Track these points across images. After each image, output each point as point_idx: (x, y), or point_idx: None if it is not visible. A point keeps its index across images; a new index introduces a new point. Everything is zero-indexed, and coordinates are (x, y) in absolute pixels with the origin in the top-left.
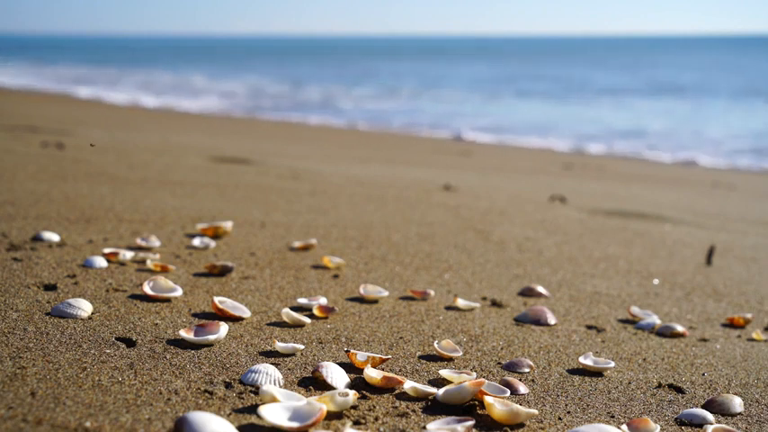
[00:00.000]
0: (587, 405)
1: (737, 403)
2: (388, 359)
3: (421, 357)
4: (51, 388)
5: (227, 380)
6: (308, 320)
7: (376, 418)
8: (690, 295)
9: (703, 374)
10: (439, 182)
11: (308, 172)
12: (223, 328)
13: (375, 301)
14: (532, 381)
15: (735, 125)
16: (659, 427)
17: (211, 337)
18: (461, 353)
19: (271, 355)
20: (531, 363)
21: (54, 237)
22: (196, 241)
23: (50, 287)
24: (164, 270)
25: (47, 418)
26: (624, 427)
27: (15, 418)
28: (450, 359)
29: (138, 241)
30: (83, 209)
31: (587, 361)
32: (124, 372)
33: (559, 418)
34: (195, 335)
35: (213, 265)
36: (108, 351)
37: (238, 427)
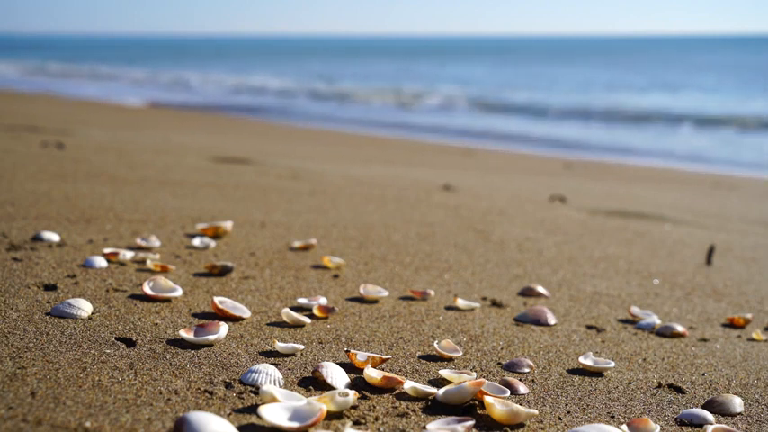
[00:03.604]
0: (587, 405)
1: (737, 403)
2: (388, 359)
3: (421, 357)
4: (51, 388)
5: (227, 380)
6: (308, 320)
7: (376, 418)
8: (690, 295)
9: (703, 374)
10: (439, 182)
11: (308, 172)
12: (223, 328)
13: (375, 301)
14: (532, 381)
15: (738, 124)
16: (659, 427)
17: (211, 337)
18: (461, 353)
19: (271, 355)
20: (531, 363)
21: (54, 237)
22: (196, 241)
23: (50, 287)
24: (164, 270)
25: (47, 418)
26: (624, 427)
27: (15, 418)
28: (451, 359)
29: (138, 241)
30: (83, 209)
31: (587, 361)
32: (124, 372)
33: (559, 418)
34: (195, 335)
35: (213, 265)
36: (108, 351)
37: (238, 427)
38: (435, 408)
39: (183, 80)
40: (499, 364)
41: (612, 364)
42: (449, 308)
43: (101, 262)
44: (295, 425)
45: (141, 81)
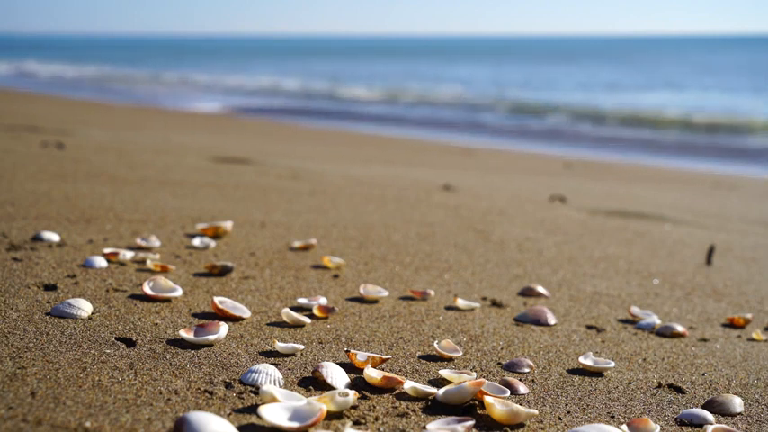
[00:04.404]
0: (587, 405)
1: (737, 403)
2: (388, 359)
3: (421, 357)
4: (51, 388)
5: (227, 380)
6: (308, 320)
7: (376, 418)
8: (690, 295)
9: (703, 374)
10: (439, 182)
11: (308, 172)
12: (223, 328)
13: (375, 301)
14: (532, 381)
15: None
16: (659, 427)
17: (211, 337)
18: (461, 353)
19: (271, 355)
20: (531, 363)
21: (54, 237)
22: (196, 241)
23: (50, 287)
24: (164, 270)
25: (47, 418)
26: (624, 427)
27: (15, 418)
28: (451, 359)
29: (138, 241)
30: (83, 209)
31: (587, 361)
32: (124, 372)
33: (559, 418)
34: (195, 335)
35: (213, 265)
36: (108, 351)
37: (238, 427)
38: (435, 408)
39: (220, 83)
40: (499, 364)
41: (612, 364)
42: (449, 308)
43: (101, 262)
44: (295, 425)
45: (144, 83)
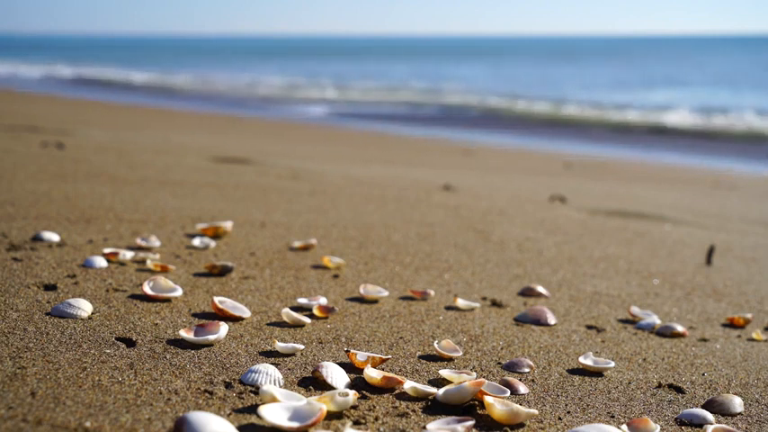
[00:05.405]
0: (587, 405)
1: (737, 403)
2: (388, 359)
3: (421, 357)
4: (51, 388)
5: (227, 380)
6: (308, 320)
7: (376, 418)
8: (690, 295)
9: (703, 374)
10: (439, 182)
11: (308, 172)
12: (223, 328)
13: (375, 301)
14: (532, 381)
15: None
16: (659, 427)
17: (211, 337)
18: (461, 353)
19: (271, 355)
20: (531, 363)
21: (54, 237)
22: (196, 241)
23: (50, 287)
24: (164, 270)
25: (47, 418)
26: (624, 427)
27: (15, 418)
28: (451, 359)
29: (138, 241)
30: (83, 209)
31: (587, 361)
32: (124, 372)
33: (559, 418)
34: (195, 335)
35: (213, 265)
36: (108, 351)
37: (238, 427)
38: (435, 408)
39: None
40: (499, 364)
41: (612, 364)
42: (449, 308)
43: (101, 262)
44: (295, 425)
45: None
